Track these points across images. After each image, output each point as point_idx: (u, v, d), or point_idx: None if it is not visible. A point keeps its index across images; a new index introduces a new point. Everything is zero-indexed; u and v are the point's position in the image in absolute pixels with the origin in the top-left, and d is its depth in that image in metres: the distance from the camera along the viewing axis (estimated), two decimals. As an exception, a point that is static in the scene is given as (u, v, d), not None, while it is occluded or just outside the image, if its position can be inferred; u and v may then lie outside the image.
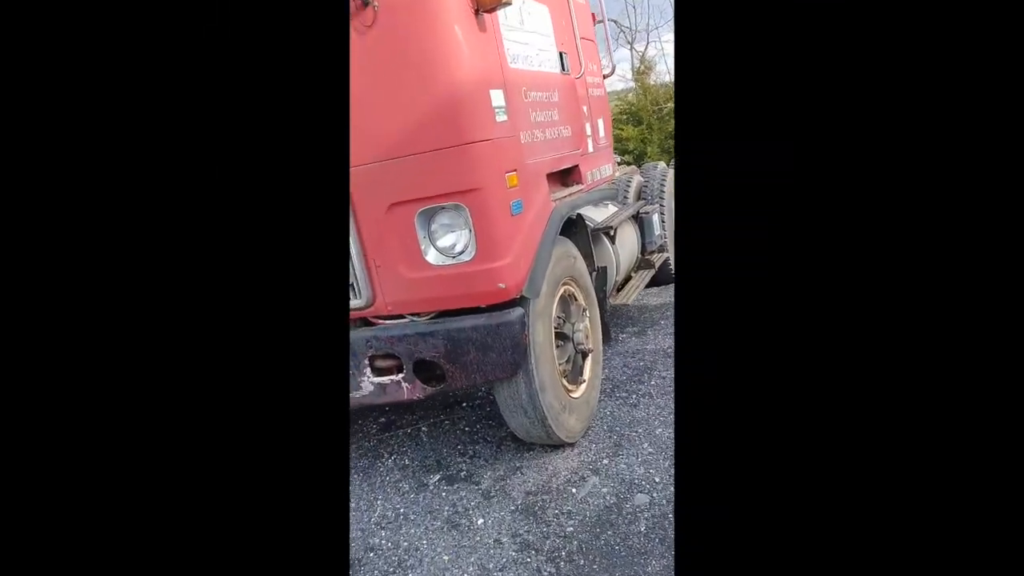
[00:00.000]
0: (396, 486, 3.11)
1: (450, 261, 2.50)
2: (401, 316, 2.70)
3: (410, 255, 2.53)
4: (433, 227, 2.50)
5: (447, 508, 2.83)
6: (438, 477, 3.12)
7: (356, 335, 2.72)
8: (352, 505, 3.00)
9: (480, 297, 2.51)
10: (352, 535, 2.77)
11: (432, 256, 2.52)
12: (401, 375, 2.73)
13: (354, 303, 2.69)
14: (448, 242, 2.50)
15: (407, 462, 3.33)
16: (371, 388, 2.79)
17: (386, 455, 3.46)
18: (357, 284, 2.65)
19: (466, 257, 2.48)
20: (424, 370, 2.75)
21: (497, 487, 2.91)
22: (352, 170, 2.51)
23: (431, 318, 2.68)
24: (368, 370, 2.76)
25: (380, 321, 2.74)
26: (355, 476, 3.28)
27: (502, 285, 2.48)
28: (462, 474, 3.10)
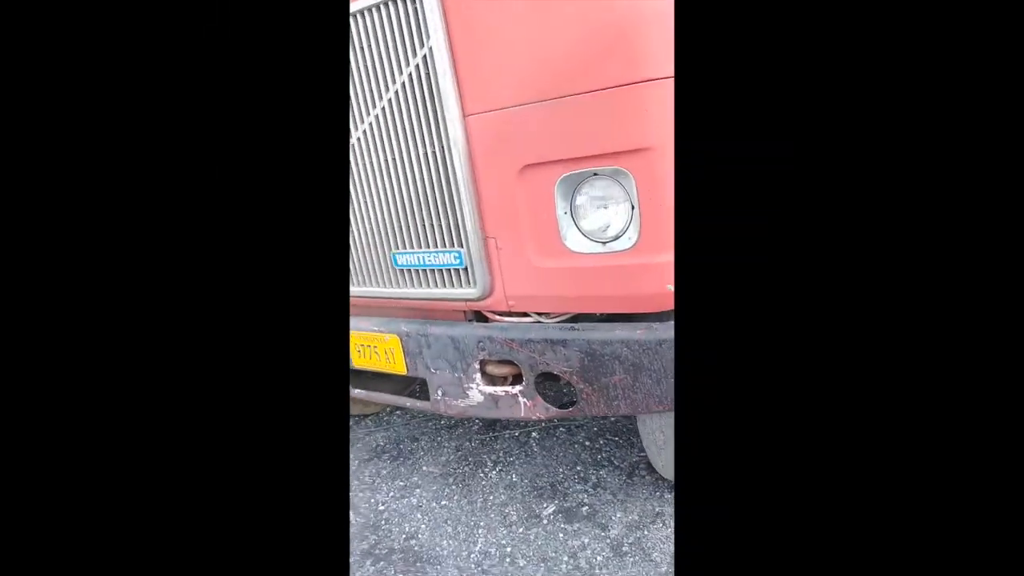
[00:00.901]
0: (501, 512, 2.55)
1: (599, 248, 1.81)
2: (525, 315, 2.07)
3: (544, 237, 1.87)
4: (579, 200, 1.81)
5: (565, 557, 2.23)
6: (553, 509, 2.52)
7: (466, 332, 2.13)
8: (449, 531, 2.48)
9: (639, 301, 1.82)
10: (447, 570, 2.25)
11: (574, 240, 1.84)
12: (519, 388, 2.11)
13: (465, 292, 2.09)
14: (598, 222, 1.81)
15: (514, 478, 2.76)
16: (480, 399, 2.20)
17: (489, 464, 2.91)
18: (471, 268, 2.03)
19: (623, 244, 1.78)
20: (550, 386, 2.12)
21: (631, 539, 2.27)
22: (476, 117, 1.86)
23: (563, 320, 2.02)
24: (478, 376, 2.17)
25: (497, 318, 2.13)
26: (455, 487, 2.76)
27: (671, 288, 1.77)
28: (583, 509, 2.48)
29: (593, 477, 2.66)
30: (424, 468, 2.97)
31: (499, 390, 2.16)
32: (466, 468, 2.90)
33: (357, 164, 2.20)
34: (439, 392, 2.31)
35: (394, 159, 2.08)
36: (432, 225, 2.09)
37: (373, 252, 2.30)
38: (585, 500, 2.53)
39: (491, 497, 2.65)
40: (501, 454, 2.98)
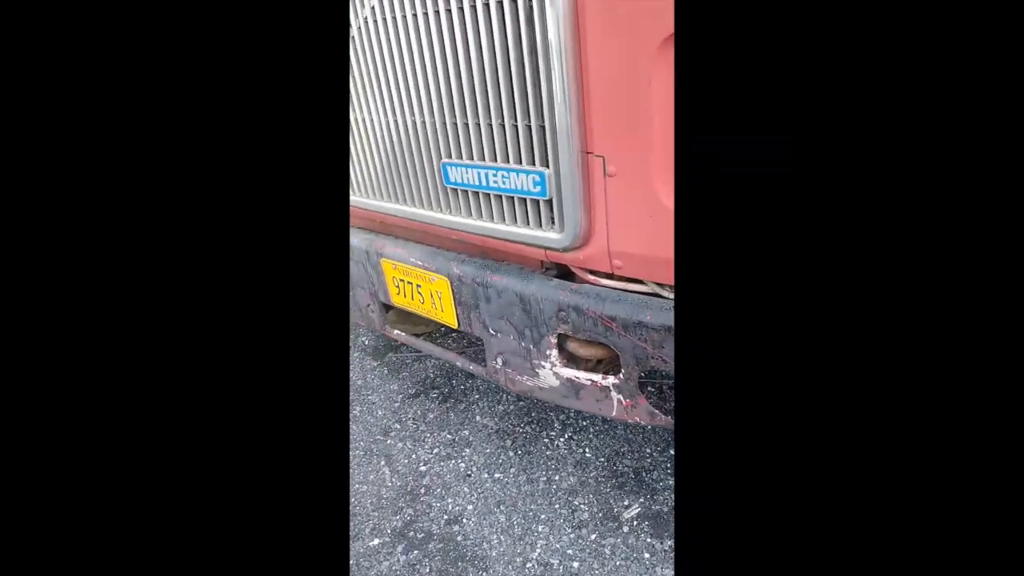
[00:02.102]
0: (570, 503, 2.00)
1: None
2: (639, 281, 1.34)
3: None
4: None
5: (651, 591, 1.68)
6: (637, 511, 1.94)
7: (543, 291, 1.43)
8: (503, 520, 1.96)
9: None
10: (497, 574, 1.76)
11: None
12: (614, 379, 1.44)
13: (544, 236, 1.37)
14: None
15: (588, 453, 2.18)
16: (554, 382, 1.56)
17: (557, 426, 2.34)
18: (558, 201, 1.29)
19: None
20: (661, 387, 1.44)
21: None
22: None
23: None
24: (554, 353, 1.50)
25: (592, 278, 1.41)
26: (513, 453, 2.22)
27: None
28: (678, 520, 1.89)
29: (693, 471, 2.05)
30: (478, 419, 2.44)
31: (584, 376, 1.49)
32: (528, 427, 2.34)
33: (386, 17, 1.42)
34: (498, 360, 1.67)
35: (445, 8, 1.28)
36: (501, 126, 1.32)
37: (413, 158, 1.58)
38: (681, 505, 1.93)
39: (557, 477, 2.10)
40: (573, 414, 2.39)
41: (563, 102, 1.18)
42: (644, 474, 2.06)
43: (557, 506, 1.99)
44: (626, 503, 1.97)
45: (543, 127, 1.25)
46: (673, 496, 1.95)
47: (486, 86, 1.29)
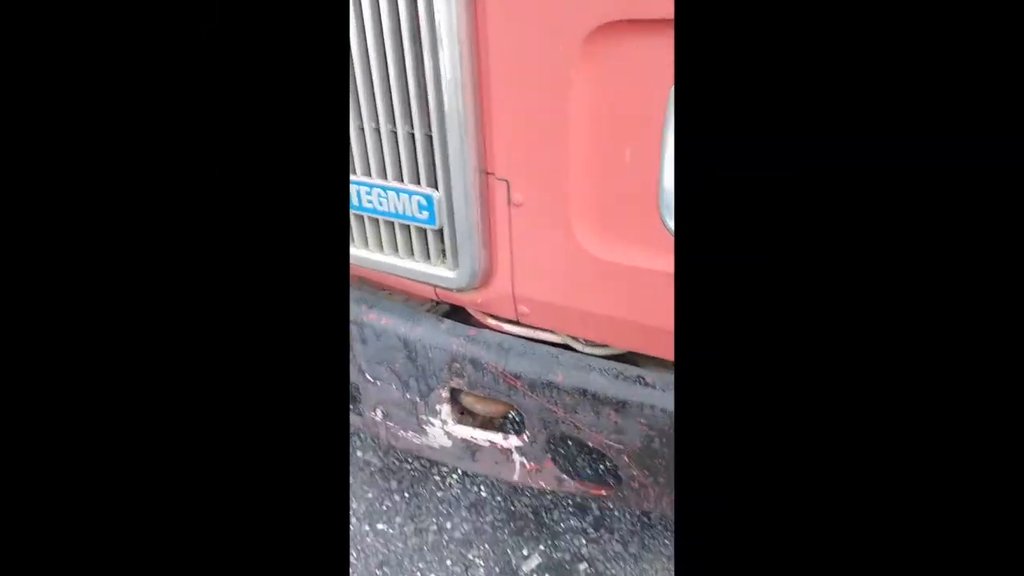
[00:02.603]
0: (462, 556, 1.76)
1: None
2: (548, 330, 1.10)
3: (623, 207, 0.86)
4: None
5: (555, 667, 1.48)
6: (537, 561, 1.74)
7: (432, 337, 1.16)
8: (382, 585, 1.68)
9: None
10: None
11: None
12: (516, 441, 1.20)
13: (434, 270, 1.09)
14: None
15: (483, 493, 1.95)
16: (445, 441, 1.29)
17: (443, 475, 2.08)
18: (450, 230, 1.02)
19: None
20: (572, 451, 1.22)
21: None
22: None
23: (613, 356, 1.07)
24: (444, 409, 1.24)
25: (492, 322, 1.15)
26: (399, 497, 1.94)
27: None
28: (581, 569, 1.71)
29: (596, 509, 1.87)
30: (359, 454, 2.13)
31: (481, 436, 1.25)
32: (417, 462, 2.06)
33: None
34: (378, 412, 1.38)
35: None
36: (376, 130, 1.02)
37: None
38: (583, 550, 1.75)
39: (449, 525, 1.85)
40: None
41: (455, 106, 0.90)
42: (544, 514, 1.86)
43: (449, 562, 1.74)
44: (525, 552, 1.76)
45: (430, 136, 0.97)
46: (574, 541, 1.78)
47: (355, 78, 0.98)
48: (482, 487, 1.98)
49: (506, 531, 1.82)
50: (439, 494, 1.96)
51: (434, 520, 1.87)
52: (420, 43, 0.90)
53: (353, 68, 0.98)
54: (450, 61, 0.87)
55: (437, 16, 0.85)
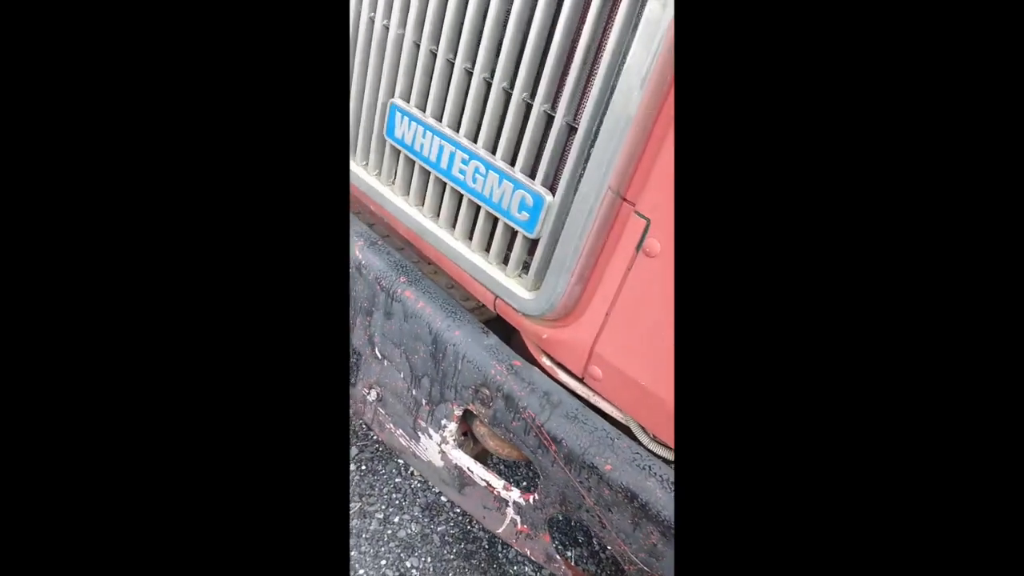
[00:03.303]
0: (399, 561, 1.59)
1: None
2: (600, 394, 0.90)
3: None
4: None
5: None
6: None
7: (469, 346, 0.95)
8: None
9: None
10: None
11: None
12: (519, 496, 1.01)
13: (509, 283, 0.88)
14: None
15: (443, 499, 1.77)
16: (437, 460, 1.10)
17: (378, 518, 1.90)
18: (545, 249, 0.81)
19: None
20: (578, 540, 1.03)
21: None
22: None
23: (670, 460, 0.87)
24: (450, 427, 1.04)
25: (547, 363, 0.95)
26: (353, 468, 1.77)
27: None
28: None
29: (555, 562, 1.69)
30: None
31: (479, 472, 1.05)
32: (353, 521, 1.84)
33: None
34: (372, 392, 1.19)
35: None
36: (506, 91, 0.80)
37: (355, 85, 1.00)
38: (529, 606, 1.57)
39: (396, 519, 1.67)
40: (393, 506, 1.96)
41: (625, 100, 0.68)
42: (499, 547, 1.69)
43: (384, 562, 1.57)
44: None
45: (574, 128, 0.75)
46: (523, 588, 1.60)
47: (483, 9, 0.75)
48: (443, 493, 1.80)
49: (454, 550, 1.65)
50: (397, 480, 1.78)
51: (382, 508, 1.69)
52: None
53: (508, 3, 0.75)
54: (646, 40, 0.65)
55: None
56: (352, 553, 1.57)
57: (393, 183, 1.02)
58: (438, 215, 0.95)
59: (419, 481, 1.80)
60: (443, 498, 1.78)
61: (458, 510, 1.76)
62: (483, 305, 1.08)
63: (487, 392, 0.96)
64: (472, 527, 1.73)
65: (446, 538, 1.68)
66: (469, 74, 0.83)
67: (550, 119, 0.76)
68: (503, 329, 1.07)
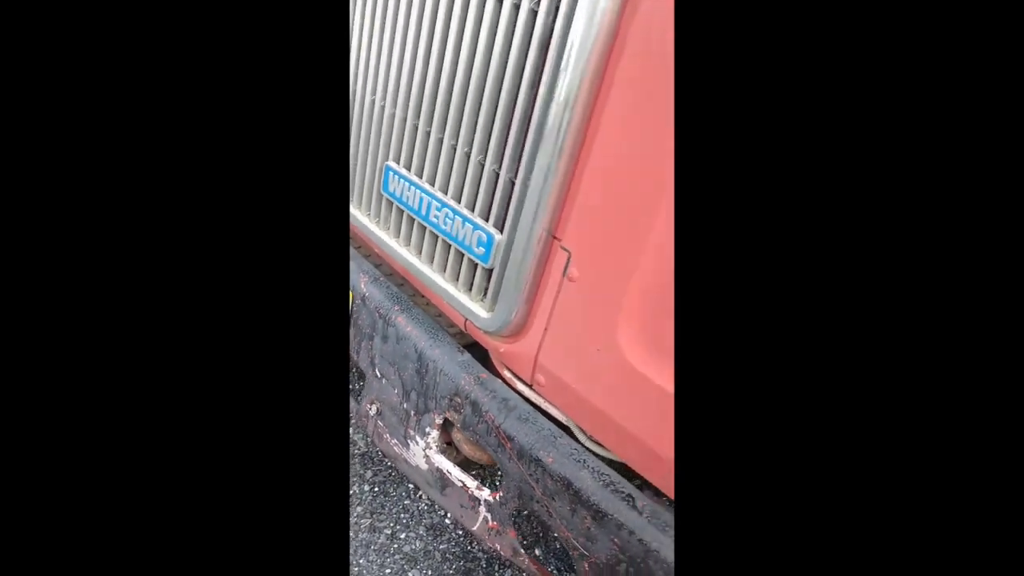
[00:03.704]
0: (402, 571, 1.73)
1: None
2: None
3: (670, 327, 0.82)
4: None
5: None
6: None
7: (444, 362, 1.14)
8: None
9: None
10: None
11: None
12: (490, 495, 1.17)
13: (470, 304, 1.07)
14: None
15: (447, 520, 1.91)
16: (422, 464, 1.27)
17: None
18: (496, 278, 1.00)
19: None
20: (537, 532, 1.18)
21: None
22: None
23: (612, 461, 1.01)
24: (433, 434, 1.22)
25: (508, 375, 1.12)
26: (367, 487, 1.94)
27: None
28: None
29: (549, 583, 1.80)
30: (349, 431, 2.13)
31: (456, 474, 1.22)
32: (363, 534, 2.00)
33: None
34: (373, 407, 1.37)
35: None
36: (466, 154, 1.01)
37: (359, 148, 1.25)
38: (520, 621, 1.68)
39: (403, 535, 1.82)
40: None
41: (548, 159, 0.88)
42: (496, 568, 1.81)
43: (388, 571, 1.71)
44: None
45: (513, 182, 0.95)
46: (516, 606, 1.71)
47: (463, 104, 0.98)
48: (447, 516, 1.95)
49: (454, 567, 1.78)
50: (406, 502, 1.94)
51: (391, 525, 1.85)
52: (539, 81, 0.88)
53: (466, 93, 0.97)
54: (562, 111, 0.85)
55: (573, 42, 0.83)
56: (360, 561, 1.73)
57: (388, 228, 1.24)
58: (420, 252, 1.16)
59: (426, 503, 1.95)
60: (447, 520, 1.92)
61: (460, 531, 1.90)
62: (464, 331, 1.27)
63: (459, 400, 1.13)
64: (472, 547, 1.86)
65: (447, 555, 1.81)
66: (440, 142, 1.05)
67: (496, 174, 0.97)
68: (482, 351, 1.25)
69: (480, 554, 1.84)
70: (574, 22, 0.81)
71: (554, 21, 0.84)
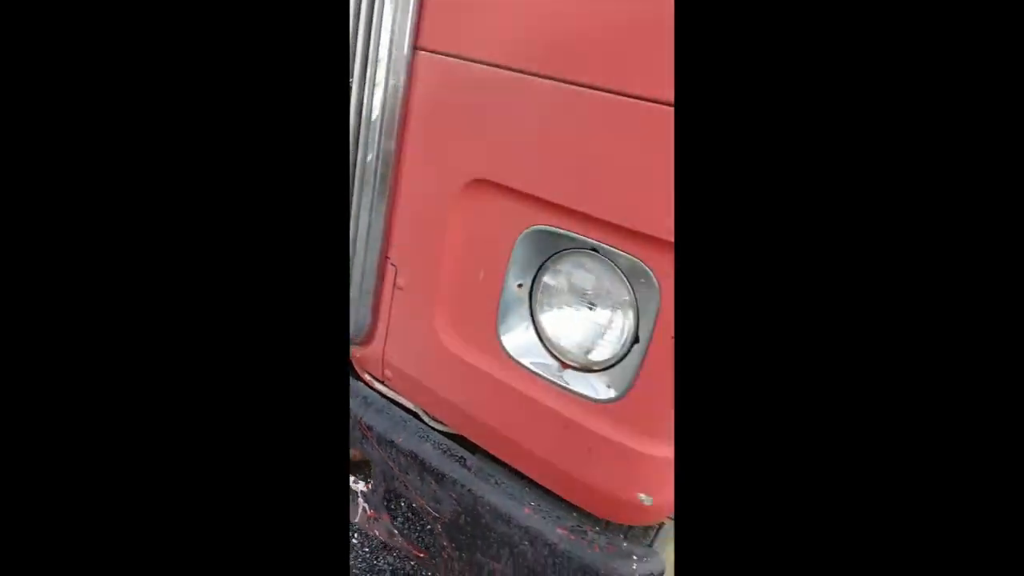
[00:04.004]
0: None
1: (553, 375, 1.00)
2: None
3: (470, 309, 1.05)
4: (549, 280, 0.98)
5: None
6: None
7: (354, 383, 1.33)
8: None
9: (586, 493, 1.02)
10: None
11: (517, 341, 1.02)
12: (363, 485, 1.34)
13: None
14: (572, 332, 0.98)
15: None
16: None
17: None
18: (354, 295, 1.21)
19: (599, 390, 0.97)
20: (403, 509, 1.36)
21: None
22: (432, 58, 0.99)
23: (451, 435, 1.23)
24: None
25: (368, 377, 1.33)
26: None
27: (645, 499, 0.97)
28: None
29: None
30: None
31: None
32: None
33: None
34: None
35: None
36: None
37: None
38: (423, 619, 1.82)
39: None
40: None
41: (372, 199, 1.11)
42: None
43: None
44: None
45: (354, 213, 1.18)
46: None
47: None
48: (355, 534, 2.07)
49: (360, 580, 1.90)
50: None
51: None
52: (359, 127, 1.12)
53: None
54: (374, 156, 1.09)
55: (375, 113, 1.07)
56: None
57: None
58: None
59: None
60: (354, 540, 2.04)
61: (367, 550, 2.02)
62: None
63: (358, 414, 1.32)
64: (379, 562, 1.98)
65: (353, 570, 1.93)
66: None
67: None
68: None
69: (385, 566, 1.97)
70: (375, 99, 1.06)
71: (371, 96, 1.10)
